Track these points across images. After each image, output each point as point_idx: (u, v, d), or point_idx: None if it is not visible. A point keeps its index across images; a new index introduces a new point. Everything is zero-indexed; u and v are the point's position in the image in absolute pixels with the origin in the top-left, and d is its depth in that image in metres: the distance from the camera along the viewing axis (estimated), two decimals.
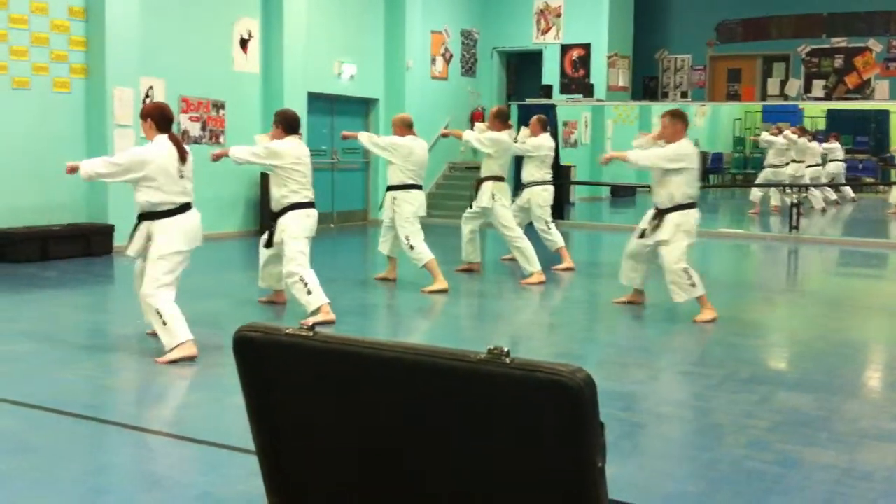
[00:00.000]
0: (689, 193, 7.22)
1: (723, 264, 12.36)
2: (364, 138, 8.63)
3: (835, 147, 18.11)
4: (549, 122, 10.63)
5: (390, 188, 8.59)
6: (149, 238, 5.79)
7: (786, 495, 3.76)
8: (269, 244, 7.15)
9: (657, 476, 4.08)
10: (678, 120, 7.26)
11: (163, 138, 5.81)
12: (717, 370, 5.91)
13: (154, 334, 5.93)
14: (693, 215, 7.28)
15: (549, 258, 9.89)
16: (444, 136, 10.67)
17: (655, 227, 7.29)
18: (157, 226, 5.77)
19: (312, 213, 7.02)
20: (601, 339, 7.02)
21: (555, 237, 10.00)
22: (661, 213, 7.27)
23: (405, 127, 8.56)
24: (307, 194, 6.99)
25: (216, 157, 7.06)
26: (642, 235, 7.50)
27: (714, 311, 7.31)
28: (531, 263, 9.05)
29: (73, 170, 5.81)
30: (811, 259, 12.43)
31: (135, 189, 5.76)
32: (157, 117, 5.86)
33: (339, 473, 1.59)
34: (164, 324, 5.68)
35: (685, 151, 7.21)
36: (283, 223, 6.92)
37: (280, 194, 6.93)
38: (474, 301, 8.70)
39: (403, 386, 1.44)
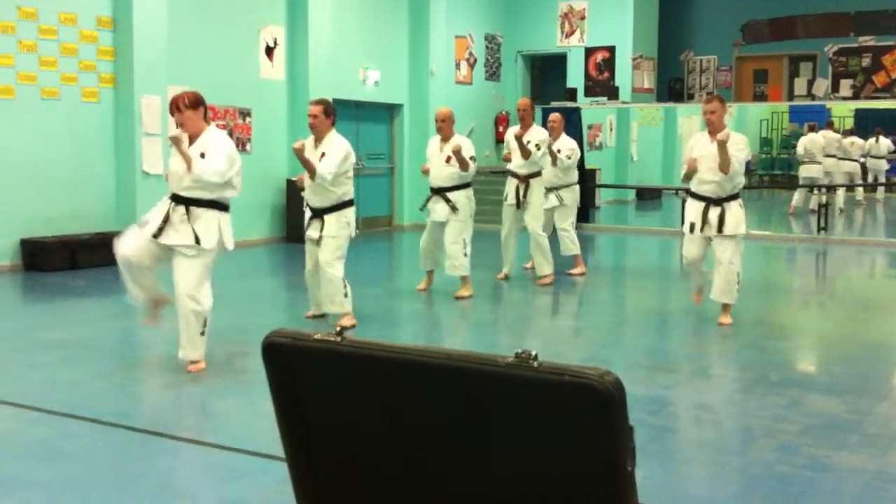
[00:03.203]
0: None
1: (751, 266, 12.27)
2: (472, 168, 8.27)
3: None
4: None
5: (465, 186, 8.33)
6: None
7: (817, 499, 3.73)
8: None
9: (687, 481, 4.05)
10: (724, 103, 7.21)
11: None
12: (746, 373, 5.87)
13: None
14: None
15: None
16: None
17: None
18: (225, 218, 5.58)
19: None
20: (627, 344, 6.99)
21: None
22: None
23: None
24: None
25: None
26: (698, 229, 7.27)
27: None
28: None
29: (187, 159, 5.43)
30: (840, 260, 12.31)
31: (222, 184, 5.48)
32: (206, 106, 5.58)
33: (369, 478, 1.60)
34: (202, 334, 5.60)
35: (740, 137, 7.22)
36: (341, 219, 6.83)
37: (343, 191, 6.81)
38: (499, 307, 8.69)
39: (432, 390, 1.45)
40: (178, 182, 5.50)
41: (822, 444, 4.39)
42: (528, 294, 9.02)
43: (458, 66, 16.88)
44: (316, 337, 1.54)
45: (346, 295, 6.81)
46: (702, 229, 7.14)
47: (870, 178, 18.57)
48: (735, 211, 7.09)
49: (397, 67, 15.27)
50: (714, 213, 7.09)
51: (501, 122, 17.82)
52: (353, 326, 6.80)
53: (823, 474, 3.99)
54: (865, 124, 19.42)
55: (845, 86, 16.81)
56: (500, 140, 17.56)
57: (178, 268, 5.51)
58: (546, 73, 19.28)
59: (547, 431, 1.36)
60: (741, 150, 7.04)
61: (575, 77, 17.72)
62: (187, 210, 5.48)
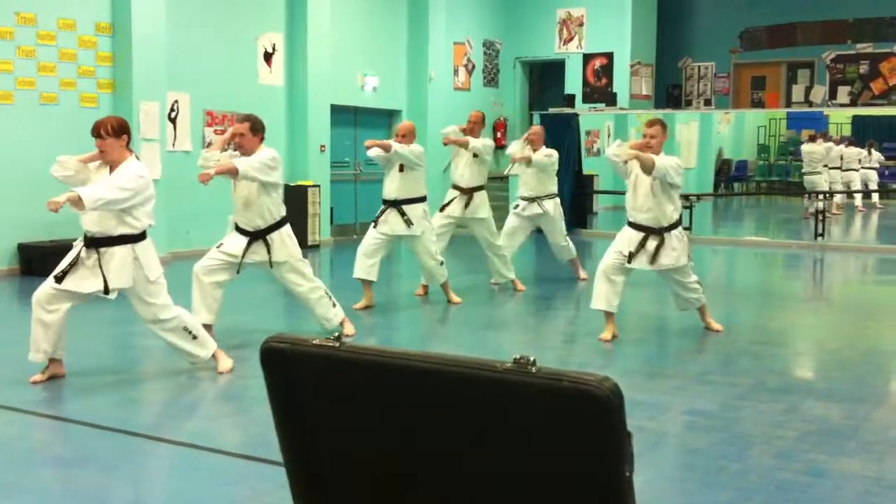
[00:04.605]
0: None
1: (748, 273, 12.28)
2: (399, 148, 8.18)
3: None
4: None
5: (420, 200, 8.21)
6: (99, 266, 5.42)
7: None
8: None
9: (684, 487, 4.05)
10: (666, 129, 6.81)
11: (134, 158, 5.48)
12: (743, 380, 5.87)
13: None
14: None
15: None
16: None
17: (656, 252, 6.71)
18: (142, 248, 5.44)
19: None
20: (625, 350, 6.99)
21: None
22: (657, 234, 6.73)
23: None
24: None
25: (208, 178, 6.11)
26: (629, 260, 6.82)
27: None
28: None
29: (59, 205, 5.31)
30: (837, 267, 12.32)
31: (123, 215, 5.36)
32: (130, 135, 5.49)
33: (367, 482, 1.60)
34: (195, 337, 5.63)
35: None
36: (285, 239, 6.59)
37: (279, 210, 6.59)
38: (492, 312, 8.68)
39: (430, 395, 1.45)
40: (102, 226, 5.45)
41: (820, 451, 4.39)
42: (523, 300, 9.02)
43: (456, 72, 16.89)
44: (314, 342, 1.54)
45: (334, 305, 6.77)
46: (631, 259, 6.78)
47: (861, 187, 18.75)
48: (675, 244, 6.69)
49: (396, 73, 15.29)
50: (652, 244, 6.69)
51: (499, 128, 17.84)
52: (352, 335, 6.80)
53: (821, 480, 3.99)
54: (863, 132, 19.47)
55: (843, 93, 16.83)
56: (498, 146, 17.56)
57: (137, 303, 5.52)
58: (544, 79, 19.30)
59: (545, 437, 1.36)
60: (669, 161, 6.55)
61: (573, 83, 17.74)
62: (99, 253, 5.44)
